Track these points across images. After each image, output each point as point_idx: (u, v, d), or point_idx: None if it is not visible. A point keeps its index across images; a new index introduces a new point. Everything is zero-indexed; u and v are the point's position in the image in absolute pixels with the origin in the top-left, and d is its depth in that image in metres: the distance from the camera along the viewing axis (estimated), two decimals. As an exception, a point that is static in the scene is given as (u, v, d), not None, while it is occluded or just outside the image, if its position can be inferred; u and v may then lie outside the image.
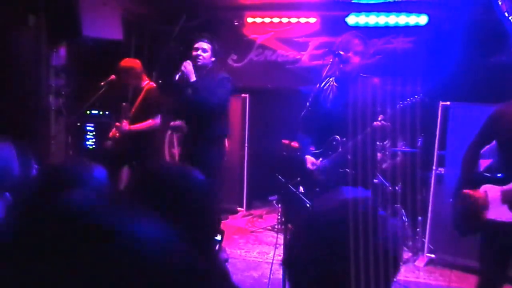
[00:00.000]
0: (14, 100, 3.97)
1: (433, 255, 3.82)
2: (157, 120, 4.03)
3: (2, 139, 1.51)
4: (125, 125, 3.93)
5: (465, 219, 2.44)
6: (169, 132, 5.27)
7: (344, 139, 2.98)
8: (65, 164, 1.45)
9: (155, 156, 4.30)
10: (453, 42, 4.42)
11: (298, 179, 3.57)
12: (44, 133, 4.35)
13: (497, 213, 2.31)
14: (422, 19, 4.82)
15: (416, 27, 4.86)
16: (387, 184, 4.00)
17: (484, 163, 2.70)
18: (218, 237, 1.44)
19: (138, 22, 5.16)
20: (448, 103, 3.80)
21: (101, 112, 4.67)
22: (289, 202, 3.93)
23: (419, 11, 4.82)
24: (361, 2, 4.87)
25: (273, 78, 5.33)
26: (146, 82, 4.09)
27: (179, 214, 1.02)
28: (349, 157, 2.91)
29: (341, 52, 2.96)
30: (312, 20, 5.20)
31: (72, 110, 4.49)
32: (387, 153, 4.09)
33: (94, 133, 4.63)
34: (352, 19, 4.94)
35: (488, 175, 2.44)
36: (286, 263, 0.94)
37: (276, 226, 4.57)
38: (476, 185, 2.41)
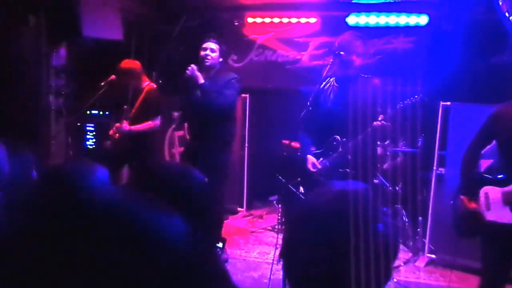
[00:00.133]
0: (14, 100, 3.97)
1: (433, 256, 3.82)
2: (157, 121, 4.03)
3: (22, 147, 1.50)
4: (125, 126, 3.92)
5: (465, 221, 2.44)
6: (169, 132, 5.28)
7: (345, 139, 2.97)
8: (67, 165, 1.45)
9: (155, 156, 4.30)
10: (453, 42, 4.42)
11: (298, 179, 3.57)
12: (44, 133, 4.35)
13: (499, 215, 2.31)
14: (423, 19, 4.82)
15: (417, 27, 4.85)
16: (388, 184, 3.99)
17: (485, 164, 2.70)
18: (220, 245, 1.44)
19: (138, 22, 5.16)
20: (448, 103, 3.80)
21: (101, 112, 4.67)
22: (289, 202, 3.93)
23: (420, 11, 4.82)
24: (361, 2, 4.87)
25: (273, 78, 5.33)
26: (147, 83, 4.09)
27: (180, 214, 1.02)
28: (349, 157, 2.91)
29: (342, 53, 2.95)
30: (312, 20, 5.19)
31: (72, 110, 4.49)
32: (387, 153, 4.08)
33: (94, 133, 4.63)
34: (352, 19, 4.94)
35: (489, 176, 2.44)
36: (283, 255, 0.94)
37: (276, 227, 4.56)
38: (476, 186, 2.41)
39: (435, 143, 3.86)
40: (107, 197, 0.57)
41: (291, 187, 3.80)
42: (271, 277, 3.11)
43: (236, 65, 5.35)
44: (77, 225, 0.48)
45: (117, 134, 3.98)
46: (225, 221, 4.73)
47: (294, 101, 4.34)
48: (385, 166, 4.15)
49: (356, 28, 4.82)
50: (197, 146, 3.63)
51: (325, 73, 3.07)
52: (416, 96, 2.80)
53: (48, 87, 4.47)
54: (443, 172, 3.81)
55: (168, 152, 5.33)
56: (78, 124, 4.60)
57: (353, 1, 4.88)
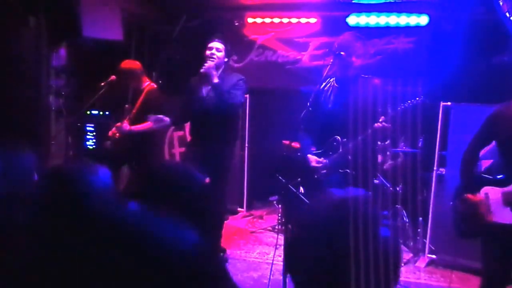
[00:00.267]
0: (14, 100, 3.97)
1: (434, 256, 3.81)
2: (167, 120, 4.04)
3: (23, 147, 1.49)
4: (126, 125, 3.92)
5: (466, 222, 2.43)
6: (169, 132, 5.28)
7: (345, 139, 2.97)
8: (69, 165, 1.45)
9: (155, 157, 4.30)
10: (454, 43, 4.41)
11: (299, 179, 3.56)
12: (44, 133, 4.34)
13: (499, 215, 2.30)
14: (423, 20, 4.81)
15: (417, 27, 4.85)
16: (388, 185, 3.99)
17: (486, 164, 2.69)
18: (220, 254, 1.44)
19: (138, 23, 5.16)
20: (449, 103, 3.79)
21: (101, 113, 4.67)
22: (289, 202, 3.92)
23: (420, 12, 4.82)
24: (361, 2, 4.86)
25: (273, 79, 5.33)
26: (147, 83, 4.09)
27: (180, 214, 1.02)
28: (349, 157, 2.90)
29: (342, 53, 2.95)
30: (312, 20, 5.19)
31: (72, 111, 4.49)
32: (388, 153, 4.08)
33: (94, 133, 4.62)
34: (352, 20, 4.94)
35: (488, 176, 2.43)
36: (289, 268, 0.93)
37: (276, 227, 4.56)
38: (476, 187, 2.40)
39: (436, 143, 3.86)
40: (109, 198, 0.57)
41: (291, 187, 3.80)
42: (271, 277, 3.10)
43: (236, 65, 5.34)
44: (78, 226, 0.48)
45: (117, 134, 3.97)
46: (225, 222, 4.74)
47: (294, 101, 4.33)
48: (385, 166, 4.15)
49: (357, 28, 4.82)
50: (203, 146, 3.62)
51: (325, 74, 3.06)
52: (417, 98, 2.79)
53: (48, 88, 4.47)
54: (443, 173, 3.80)
55: (168, 152, 5.33)
56: (78, 124, 4.60)
57: (353, 1, 4.87)
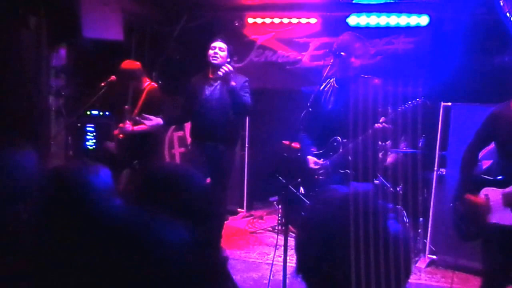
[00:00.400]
0: (15, 100, 3.97)
1: (434, 257, 3.80)
2: (160, 120, 4.03)
3: (25, 147, 1.48)
4: (128, 126, 3.92)
5: (466, 223, 2.42)
6: (169, 133, 5.27)
7: (345, 140, 2.96)
8: (69, 166, 1.44)
9: (157, 157, 4.30)
10: (454, 43, 4.41)
11: (299, 180, 3.55)
12: (44, 133, 4.34)
13: (500, 216, 2.29)
14: (423, 20, 4.81)
15: (418, 27, 4.84)
16: (388, 185, 3.98)
17: (487, 164, 2.68)
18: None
19: (138, 23, 5.16)
20: (449, 103, 3.79)
21: (101, 113, 4.67)
22: (289, 203, 3.91)
23: (420, 12, 4.81)
24: (362, 2, 4.85)
25: (273, 79, 5.32)
26: (147, 83, 4.08)
27: (181, 214, 1.02)
28: (349, 158, 2.90)
29: (342, 53, 2.94)
30: (312, 20, 5.18)
31: (72, 111, 4.49)
32: (389, 153, 4.08)
33: (94, 133, 4.62)
34: (353, 20, 4.93)
35: (488, 177, 2.42)
36: (301, 270, 0.92)
37: (276, 227, 4.55)
38: (476, 188, 2.39)
39: (436, 143, 3.85)
40: (109, 199, 0.57)
41: (291, 188, 3.79)
42: (271, 278, 3.10)
43: (236, 65, 5.32)
44: (77, 226, 0.48)
45: (121, 135, 3.97)
46: (225, 222, 4.73)
47: (295, 101, 4.33)
48: (386, 167, 4.13)
49: (357, 28, 4.81)
50: (205, 146, 3.62)
51: (325, 74, 3.06)
52: (417, 99, 2.78)
53: (48, 88, 4.47)
54: (444, 173, 3.80)
55: (168, 152, 5.33)
56: (78, 124, 4.60)
57: (353, 2, 4.87)
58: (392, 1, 4.79)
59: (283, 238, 2.70)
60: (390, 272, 0.81)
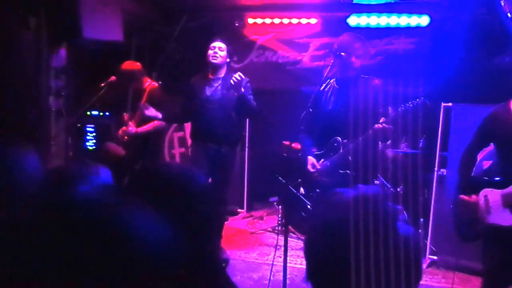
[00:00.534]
0: (15, 101, 3.96)
1: (435, 257, 3.80)
2: (159, 114, 4.03)
3: (26, 146, 1.48)
4: (132, 128, 3.91)
5: (466, 225, 2.41)
6: (169, 133, 5.27)
7: (345, 140, 2.95)
8: (70, 166, 1.44)
9: (159, 157, 4.31)
10: (455, 43, 4.40)
11: (299, 180, 3.55)
12: (44, 134, 4.34)
13: (499, 217, 2.28)
14: (424, 20, 4.80)
15: (418, 28, 4.84)
16: (389, 186, 3.97)
17: (487, 165, 2.68)
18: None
19: (138, 23, 5.15)
20: (450, 104, 3.78)
21: (101, 113, 4.66)
22: (289, 203, 3.91)
23: (421, 12, 4.81)
24: (362, 3, 4.85)
25: (273, 79, 5.32)
26: (148, 83, 4.08)
27: (182, 215, 1.02)
28: (350, 158, 2.89)
29: (342, 54, 2.94)
30: (313, 21, 5.18)
31: (72, 111, 4.49)
32: (389, 152, 4.07)
33: (94, 134, 4.62)
34: (353, 20, 4.93)
35: (487, 178, 2.41)
36: (311, 275, 0.90)
37: (276, 228, 4.55)
38: (475, 189, 2.38)
39: (437, 144, 3.84)
40: (110, 198, 0.57)
41: (291, 188, 3.79)
42: (271, 278, 3.09)
43: (236, 66, 5.33)
44: (77, 225, 0.48)
45: (125, 137, 3.97)
46: (225, 222, 4.73)
47: (295, 102, 4.33)
48: (386, 168, 4.12)
49: (357, 29, 4.81)
50: (207, 147, 3.61)
51: (325, 75, 3.05)
52: (418, 100, 2.78)
53: (48, 88, 4.47)
54: (444, 173, 3.79)
55: (168, 153, 5.32)
56: (78, 125, 4.60)
57: (354, 2, 4.87)
58: (392, 2, 4.79)
59: (283, 239, 2.69)
60: (401, 276, 0.80)
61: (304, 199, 3.42)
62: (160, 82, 4.21)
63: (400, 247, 0.81)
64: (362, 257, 0.80)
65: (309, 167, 3.05)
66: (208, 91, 3.62)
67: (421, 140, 4.00)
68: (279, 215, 4.51)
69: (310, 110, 2.98)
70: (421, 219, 3.97)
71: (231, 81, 3.44)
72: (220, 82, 3.61)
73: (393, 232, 0.82)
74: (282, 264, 2.70)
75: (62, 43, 4.60)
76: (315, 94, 3.04)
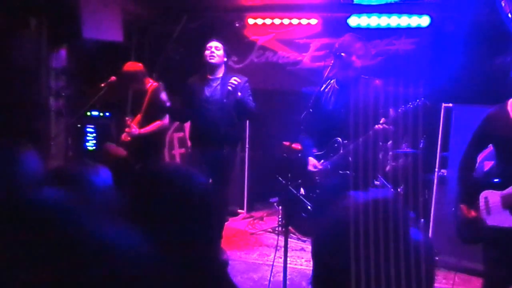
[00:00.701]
0: (15, 101, 3.97)
1: (436, 258, 3.79)
2: (166, 120, 4.04)
3: (26, 146, 1.47)
4: (135, 129, 3.91)
5: (467, 228, 2.41)
6: (169, 133, 5.26)
7: (346, 141, 2.95)
8: (70, 166, 1.44)
9: (160, 157, 4.30)
10: (455, 44, 4.40)
11: (299, 181, 3.54)
12: (44, 134, 4.34)
13: (499, 219, 2.28)
14: (424, 21, 4.80)
15: (418, 28, 4.83)
16: (389, 186, 3.97)
17: (488, 165, 2.67)
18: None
19: (138, 23, 5.16)
20: (450, 104, 3.78)
21: (101, 114, 4.66)
22: (290, 204, 3.90)
23: (421, 13, 4.80)
24: (362, 3, 4.85)
25: (274, 80, 5.31)
26: (150, 83, 4.07)
27: (182, 215, 1.01)
28: (350, 159, 2.89)
29: (343, 54, 2.94)
30: (313, 21, 5.18)
31: (72, 112, 4.49)
32: (390, 153, 4.07)
33: (94, 134, 4.62)
34: (353, 21, 4.92)
35: (487, 180, 2.41)
36: (318, 279, 0.89)
37: (276, 228, 4.54)
38: (475, 191, 2.38)
39: (437, 144, 3.84)
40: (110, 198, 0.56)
41: (291, 189, 3.78)
42: (271, 279, 3.08)
43: (236, 66, 5.34)
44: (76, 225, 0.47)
45: (128, 138, 3.96)
46: (225, 223, 4.72)
47: (295, 102, 4.32)
48: (387, 168, 4.12)
49: (358, 29, 4.81)
50: (207, 147, 3.61)
51: (326, 75, 3.05)
52: (418, 100, 2.78)
53: (48, 89, 4.47)
54: (445, 174, 3.79)
55: (168, 153, 5.32)
56: (78, 125, 4.59)
57: (354, 2, 4.86)
58: (393, 2, 4.79)
59: (283, 239, 2.69)
60: (412, 282, 0.79)
61: (305, 200, 3.41)
62: (160, 82, 4.21)
63: (410, 253, 0.80)
64: (372, 263, 0.79)
65: (310, 168, 3.05)
66: (207, 92, 3.61)
67: (422, 141, 4.00)
68: (279, 216, 4.51)
69: (311, 110, 2.98)
70: (422, 220, 3.96)
71: (228, 87, 3.44)
72: (219, 82, 3.61)
73: (405, 238, 0.80)
74: (282, 264, 2.70)
75: (63, 44, 4.60)
76: (315, 94, 3.04)
